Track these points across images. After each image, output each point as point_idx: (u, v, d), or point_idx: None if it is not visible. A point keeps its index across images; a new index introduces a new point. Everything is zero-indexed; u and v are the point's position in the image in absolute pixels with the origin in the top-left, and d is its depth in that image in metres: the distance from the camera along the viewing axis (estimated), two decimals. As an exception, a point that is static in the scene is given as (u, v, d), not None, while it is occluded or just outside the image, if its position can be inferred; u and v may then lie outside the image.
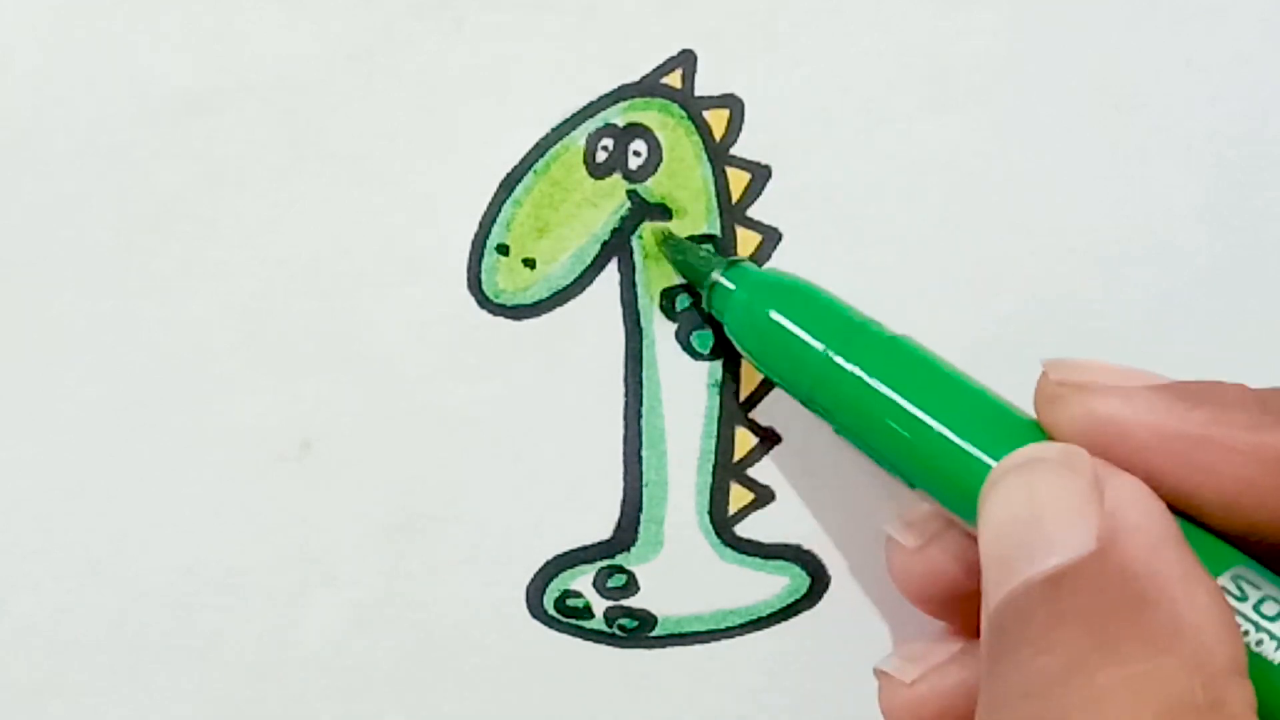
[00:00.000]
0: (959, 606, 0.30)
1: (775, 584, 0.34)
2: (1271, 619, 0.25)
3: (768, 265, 0.34)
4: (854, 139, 0.34)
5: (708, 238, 0.34)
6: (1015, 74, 0.34)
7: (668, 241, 0.34)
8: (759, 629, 0.34)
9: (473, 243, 0.34)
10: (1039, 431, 0.28)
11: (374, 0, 0.34)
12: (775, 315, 0.31)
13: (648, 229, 0.34)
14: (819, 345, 0.30)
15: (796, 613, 0.34)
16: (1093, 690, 0.23)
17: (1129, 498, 0.25)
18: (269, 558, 0.34)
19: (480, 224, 0.34)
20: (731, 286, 0.32)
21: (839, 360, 0.30)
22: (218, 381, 0.34)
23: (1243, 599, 0.25)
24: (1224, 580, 0.25)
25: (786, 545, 0.34)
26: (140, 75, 0.34)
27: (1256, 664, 0.24)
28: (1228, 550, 0.26)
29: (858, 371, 0.29)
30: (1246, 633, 0.24)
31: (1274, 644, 0.24)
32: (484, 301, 0.34)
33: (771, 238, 0.34)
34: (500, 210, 0.34)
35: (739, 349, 0.32)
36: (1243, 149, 0.34)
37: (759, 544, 0.34)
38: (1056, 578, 0.24)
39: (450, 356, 0.34)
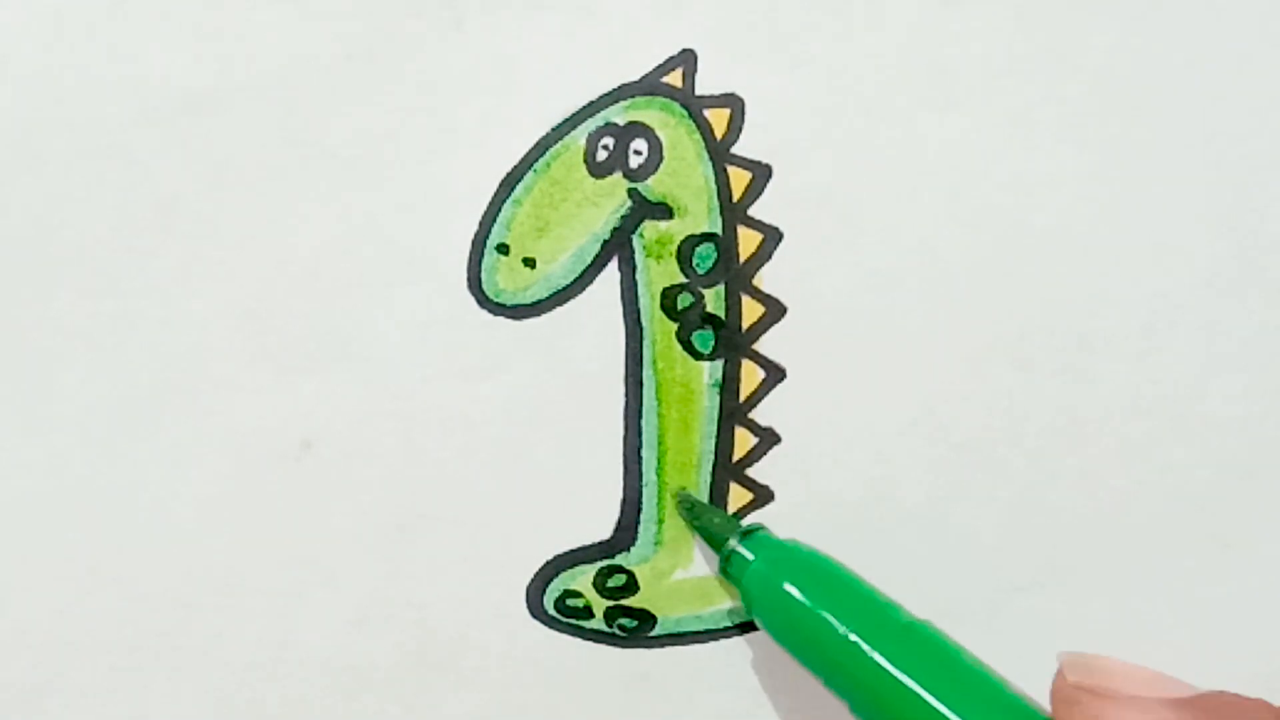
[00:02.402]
0: None
1: (775, 584, 0.34)
2: None
3: (786, 536, 0.33)
4: (854, 139, 0.34)
5: (709, 237, 0.34)
6: (1015, 74, 0.34)
7: (683, 504, 0.34)
8: (759, 629, 0.34)
9: (473, 242, 0.34)
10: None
11: (374, 0, 0.34)
12: (792, 589, 0.31)
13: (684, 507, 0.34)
14: (842, 629, 0.30)
15: (797, 613, 0.34)
16: None
17: None
18: (269, 558, 0.34)
19: (480, 223, 0.34)
20: (749, 556, 0.32)
21: (863, 645, 0.29)
22: (218, 381, 0.34)
23: None
24: None
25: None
26: (140, 75, 0.34)
27: None
28: None
29: (881, 660, 0.29)
30: None
31: None
32: (484, 301, 0.34)
33: (772, 237, 0.34)
34: (500, 209, 0.34)
35: (755, 621, 0.32)
36: (1243, 149, 0.34)
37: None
38: None
39: (450, 356, 0.34)
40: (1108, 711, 0.26)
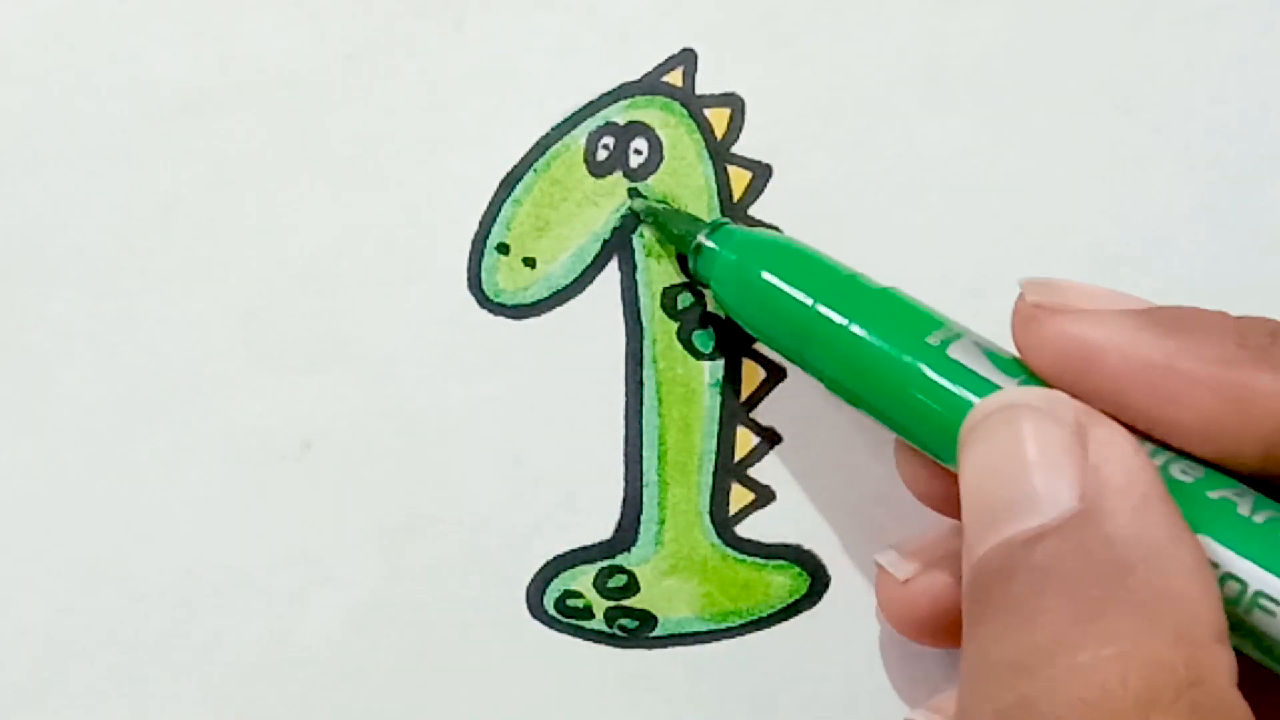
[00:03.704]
0: (949, 635, 0.30)
1: (775, 584, 0.34)
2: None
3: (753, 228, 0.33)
4: (854, 138, 0.34)
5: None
6: (1015, 74, 0.34)
7: (649, 210, 0.34)
8: (759, 629, 0.34)
9: (473, 242, 0.34)
10: (1023, 370, 0.28)
11: (374, 0, 0.34)
12: (764, 274, 0.31)
13: (638, 199, 0.34)
14: (807, 300, 0.30)
15: (796, 613, 0.34)
16: (1076, 668, 0.22)
17: (1113, 453, 0.24)
18: (269, 558, 0.34)
19: (480, 223, 0.34)
20: (717, 248, 0.32)
21: (827, 313, 0.30)
22: (218, 381, 0.34)
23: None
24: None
25: (786, 545, 0.34)
26: (140, 75, 0.34)
27: None
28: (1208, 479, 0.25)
29: (844, 322, 0.29)
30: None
31: None
32: (484, 301, 0.34)
33: (772, 237, 0.34)
34: (500, 209, 0.34)
35: (726, 311, 0.32)
36: (1243, 149, 0.34)
37: (759, 544, 0.34)
38: (1037, 539, 0.24)
39: (450, 356, 0.34)
40: (1067, 325, 0.26)
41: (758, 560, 0.34)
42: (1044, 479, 0.24)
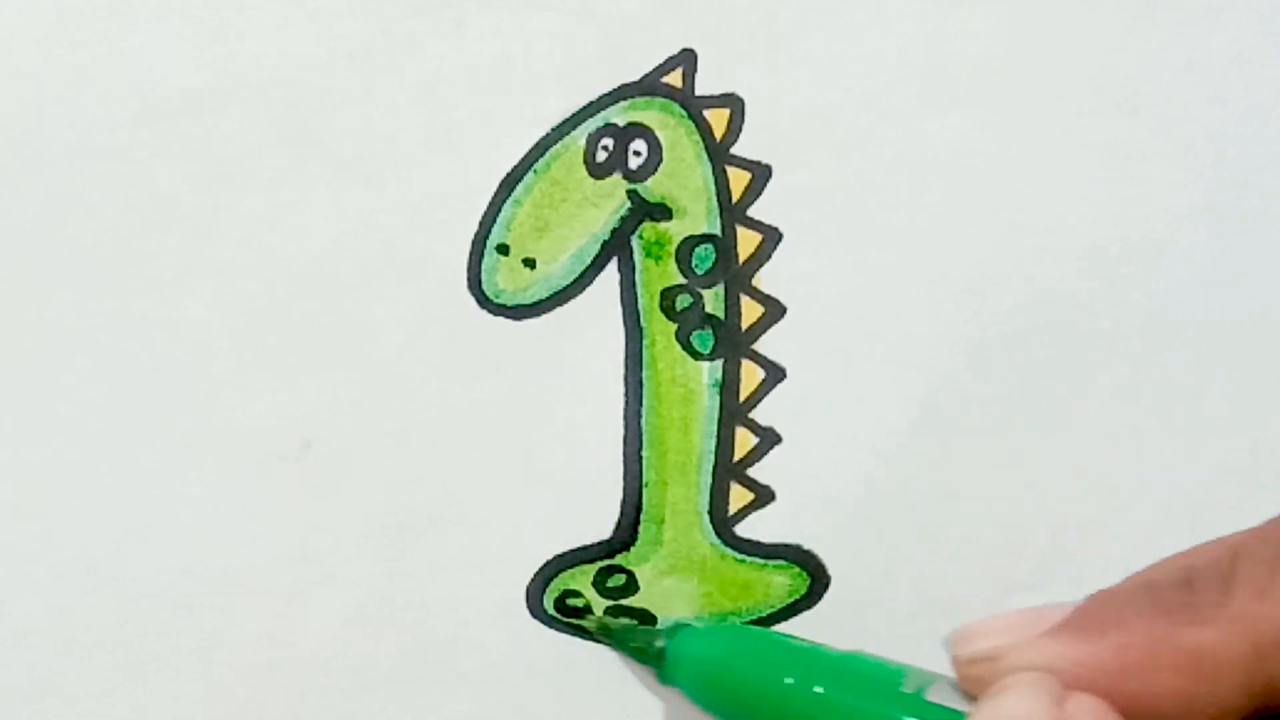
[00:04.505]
0: None
1: (775, 584, 0.34)
2: None
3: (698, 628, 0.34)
4: (854, 139, 0.34)
5: (708, 237, 0.34)
6: (1015, 74, 0.34)
7: (603, 627, 0.34)
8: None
9: (473, 243, 0.34)
10: None
11: (374, 0, 0.34)
12: (728, 661, 0.31)
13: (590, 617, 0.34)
14: (786, 679, 0.30)
15: (796, 613, 0.34)
16: None
17: (1089, 706, 0.25)
18: (269, 558, 0.34)
19: (480, 224, 0.34)
20: (679, 652, 0.32)
21: (803, 686, 0.30)
22: (218, 381, 0.34)
23: None
24: None
25: (786, 545, 0.34)
26: (140, 75, 0.34)
27: None
28: None
29: (821, 691, 0.30)
30: None
31: None
32: (484, 301, 0.34)
33: (772, 237, 0.34)
34: (500, 210, 0.34)
35: (704, 709, 0.32)
36: (1243, 149, 0.34)
37: (759, 544, 0.34)
38: None
39: (450, 356, 0.34)
40: (1002, 668, 0.26)
41: (757, 560, 0.34)
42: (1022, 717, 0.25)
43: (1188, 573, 0.26)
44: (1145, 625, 0.25)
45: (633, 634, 0.34)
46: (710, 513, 0.34)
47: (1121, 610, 0.26)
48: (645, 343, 0.34)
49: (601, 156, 0.34)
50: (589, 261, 0.34)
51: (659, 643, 0.33)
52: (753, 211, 0.34)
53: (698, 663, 0.32)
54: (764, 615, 0.34)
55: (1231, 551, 0.25)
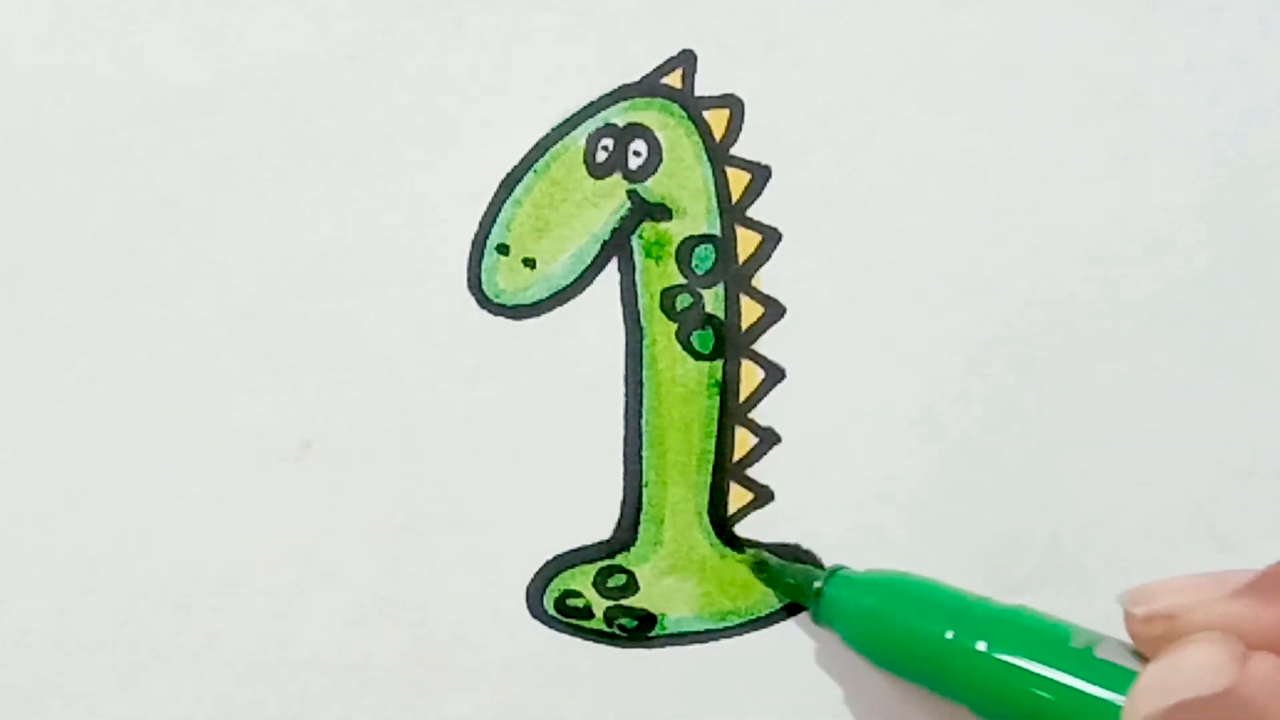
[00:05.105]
0: None
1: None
2: None
3: (866, 568, 0.33)
4: (854, 139, 0.34)
5: (708, 238, 0.34)
6: (1015, 74, 0.34)
7: (760, 565, 0.34)
8: (759, 629, 0.34)
9: (473, 243, 0.34)
10: None
11: (374, 0, 0.34)
12: (887, 611, 0.31)
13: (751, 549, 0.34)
14: (947, 633, 0.30)
15: (796, 612, 0.34)
16: None
17: (1271, 663, 0.25)
18: (269, 558, 0.34)
19: (480, 224, 0.34)
20: (839, 595, 0.32)
21: (966, 641, 0.30)
22: (218, 381, 0.34)
23: None
24: None
25: (786, 545, 0.34)
26: (140, 75, 0.34)
27: None
28: None
29: (984, 648, 0.30)
30: None
31: None
32: (484, 301, 0.34)
33: (771, 238, 0.34)
34: (500, 210, 0.34)
35: (859, 652, 0.32)
36: (1243, 149, 0.34)
37: (759, 544, 0.34)
38: (1185, 705, 0.25)
39: (450, 356, 0.34)
40: (1181, 627, 0.27)
41: (757, 560, 0.34)
42: (1202, 671, 0.26)
43: None
44: None
45: (790, 572, 0.33)
46: (710, 512, 0.34)
47: None
48: (645, 343, 0.34)
49: (601, 157, 0.34)
50: (589, 261, 0.34)
51: (817, 584, 0.32)
52: (752, 212, 0.34)
53: (856, 609, 0.32)
54: (764, 615, 0.34)
55: None
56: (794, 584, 0.33)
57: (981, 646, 0.30)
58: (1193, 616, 0.27)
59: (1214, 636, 0.26)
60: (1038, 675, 0.29)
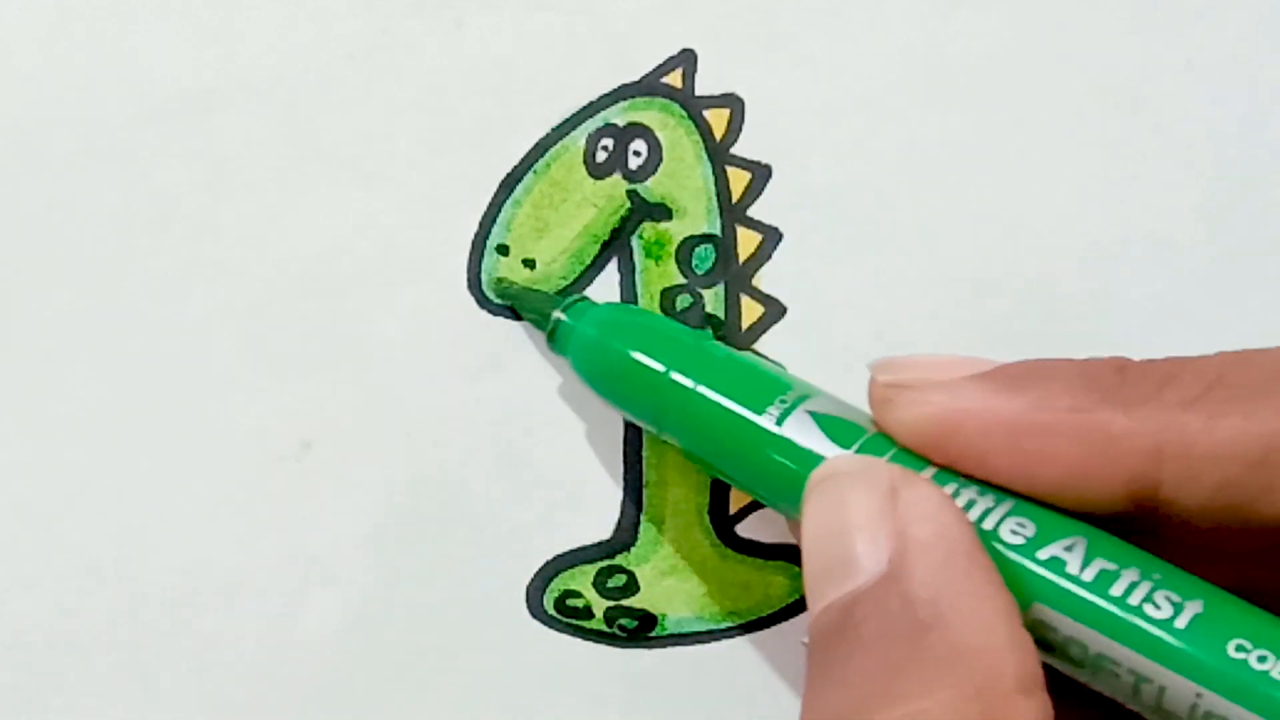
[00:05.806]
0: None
1: (775, 584, 0.34)
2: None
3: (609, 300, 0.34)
4: (854, 139, 0.34)
5: (708, 238, 0.34)
6: (1015, 74, 0.34)
7: (505, 291, 0.34)
8: (759, 629, 0.34)
9: (473, 243, 0.34)
10: (859, 434, 0.28)
11: (374, 0, 0.34)
12: (620, 346, 0.31)
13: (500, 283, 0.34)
14: (660, 367, 0.30)
15: (796, 613, 0.34)
16: None
17: (921, 511, 0.25)
18: (269, 558, 0.34)
19: (480, 224, 0.34)
20: (573, 324, 0.32)
21: (679, 379, 0.30)
22: (218, 382, 0.34)
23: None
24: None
25: (786, 545, 0.34)
26: (140, 75, 0.34)
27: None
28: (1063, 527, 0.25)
29: (697, 387, 0.30)
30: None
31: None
32: (484, 301, 0.34)
33: (772, 238, 0.34)
34: (500, 210, 0.34)
35: (588, 384, 0.32)
36: (1243, 149, 0.34)
37: (759, 544, 0.34)
38: (851, 603, 0.24)
39: (450, 356, 0.34)
40: (919, 399, 0.26)
41: (758, 560, 0.34)
42: (862, 543, 0.25)
43: (1127, 363, 0.26)
44: (1065, 393, 0.25)
45: (531, 298, 0.33)
46: (710, 512, 0.34)
47: (1049, 376, 0.26)
48: (645, 343, 0.34)
49: (601, 157, 0.34)
50: (589, 261, 0.34)
51: (557, 313, 0.32)
52: (753, 211, 0.34)
53: (586, 338, 0.32)
54: (764, 615, 0.34)
55: (1183, 361, 0.25)
56: (536, 312, 0.33)
57: (689, 383, 0.30)
58: (927, 390, 0.26)
59: (868, 471, 0.26)
60: (738, 419, 0.29)
